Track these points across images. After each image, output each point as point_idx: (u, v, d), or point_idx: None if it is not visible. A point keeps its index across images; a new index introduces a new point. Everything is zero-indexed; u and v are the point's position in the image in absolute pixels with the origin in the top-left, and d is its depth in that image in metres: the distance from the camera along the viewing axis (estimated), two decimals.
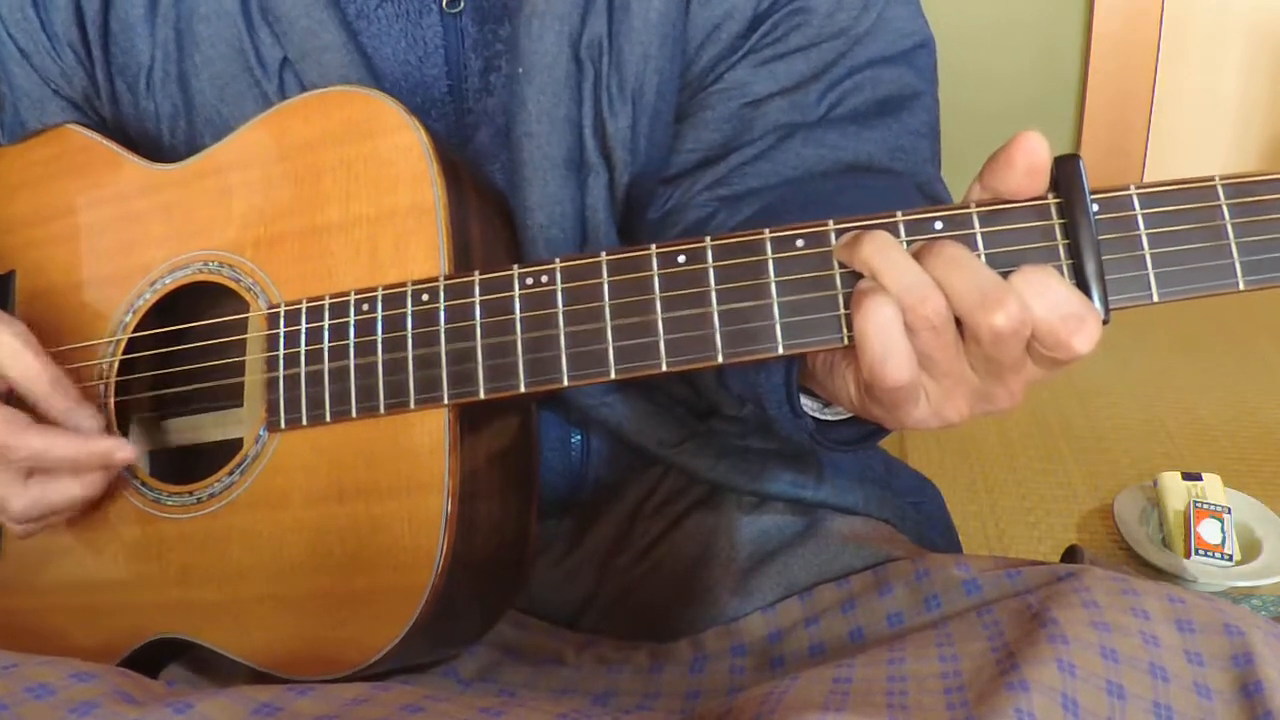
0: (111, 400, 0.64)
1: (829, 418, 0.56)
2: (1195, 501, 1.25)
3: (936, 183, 0.66)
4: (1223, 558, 1.21)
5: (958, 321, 0.44)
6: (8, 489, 0.58)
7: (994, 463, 1.47)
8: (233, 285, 0.61)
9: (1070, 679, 0.43)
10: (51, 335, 0.63)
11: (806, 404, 0.55)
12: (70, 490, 0.59)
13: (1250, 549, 1.25)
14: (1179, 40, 2.02)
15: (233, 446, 0.61)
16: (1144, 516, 1.30)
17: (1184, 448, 1.49)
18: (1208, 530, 1.22)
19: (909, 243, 0.46)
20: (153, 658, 0.62)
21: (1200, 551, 1.21)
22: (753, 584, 0.63)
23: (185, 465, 0.65)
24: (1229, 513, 1.24)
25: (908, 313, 0.44)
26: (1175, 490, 1.28)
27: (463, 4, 0.64)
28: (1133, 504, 1.33)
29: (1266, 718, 0.43)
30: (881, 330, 0.44)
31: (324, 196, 0.59)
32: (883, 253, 0.44)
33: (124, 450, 0.59)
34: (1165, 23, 2.00)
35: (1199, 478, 1.29)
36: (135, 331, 0.64)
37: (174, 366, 0.64)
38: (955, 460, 1.47)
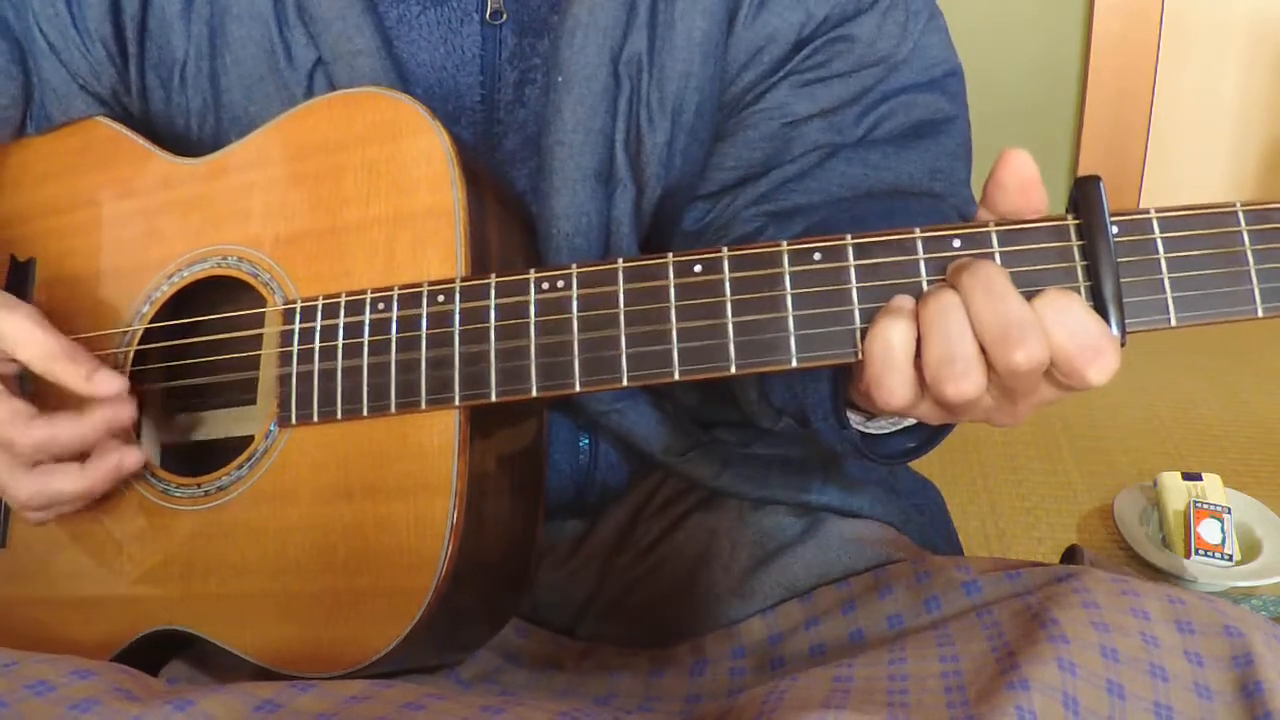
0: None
1: (874, 431, 0.56)
2: (1195, 501, 1.25)
3: (971, 205, 0.66)
4: (1223, 558, 1.21)
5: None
6: (11, 476, 0.58)
7: (994, 463, 1.47)
8: (250, 280, 0.61)
9: (1071, 678, 0.43)
10: (68, 324, 0.63)
11: (851, 418, 0.55)
12: (74, 481, 0.59)
13: (1250, 549, 1.25)
14: (1179, 40, 2.02)
15: (246, 443, 0.61)
16: (1144, 516, 1.30)
17: (1184, 448, 1.49)
18: (1208, 530, 1.22)
19: (928, 262, 0.45)
20: (153, 654, 0.62)
21: (1200, 551, 1.21)
22: (753, 585, 0.63)
23: (201, 462, 0.65)
24: (1229, 513, 1.24)
25: (935, 386, 0.43)
26: (1175, 490, 1.28)
27: (505, 15, 0.65)
28: (1133, 504, 1.33)
29: (1266, 718, 0.43)
30: (887, 355, 0.44)
31: (345, 196, 0.59)
32: (945, 314, 0.43)
33: (126, 408, 0.59)
34: (1165, 23, 2.00)
35: (1199, 478, 1.29)
36: (151, 323, 0.64)
37: (188, 359, 0.64)
38: (955, 460, 1.47)
